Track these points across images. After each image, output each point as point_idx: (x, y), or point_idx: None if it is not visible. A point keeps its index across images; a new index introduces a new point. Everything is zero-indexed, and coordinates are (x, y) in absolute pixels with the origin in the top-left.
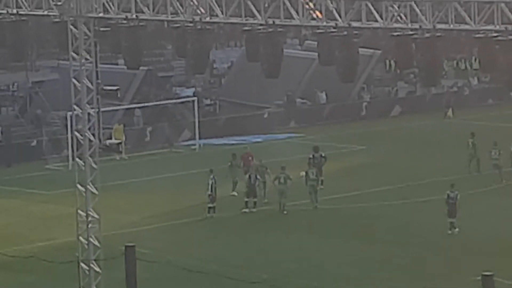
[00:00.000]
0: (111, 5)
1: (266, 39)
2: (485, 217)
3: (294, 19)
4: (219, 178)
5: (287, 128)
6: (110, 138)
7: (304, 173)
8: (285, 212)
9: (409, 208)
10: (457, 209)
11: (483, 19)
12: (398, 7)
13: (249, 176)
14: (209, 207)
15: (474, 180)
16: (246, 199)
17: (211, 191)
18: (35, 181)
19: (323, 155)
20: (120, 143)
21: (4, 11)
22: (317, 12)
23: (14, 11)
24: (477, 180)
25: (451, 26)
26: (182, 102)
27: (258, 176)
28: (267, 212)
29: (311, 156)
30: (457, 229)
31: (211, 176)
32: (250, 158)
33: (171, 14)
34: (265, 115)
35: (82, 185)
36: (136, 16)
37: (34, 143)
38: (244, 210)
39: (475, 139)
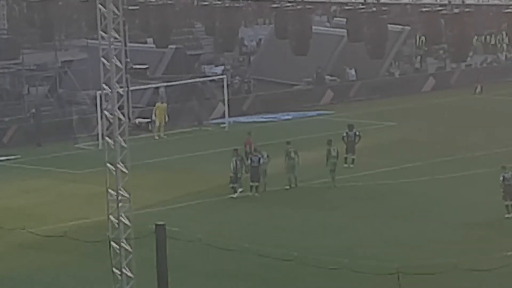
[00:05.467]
0: None
1: (294, 16)
2: None
3: None
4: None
5: (317, 105)
6: (148, 117)
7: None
8: (291, 186)
9: (440, 184)
10: None
11: None
12: None
13: (235, 161)
14: (232, 187)
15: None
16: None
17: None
18: (65, 160)
19: (357, 133)
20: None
21: None
22: None
23: None
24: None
25: (480, 1)
26: (211, 80)
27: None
28: (294, 189)
29: (344, 133)
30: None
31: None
32: (248, 145)
33: None
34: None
35: (112, 164)
36: None
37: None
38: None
39: None
